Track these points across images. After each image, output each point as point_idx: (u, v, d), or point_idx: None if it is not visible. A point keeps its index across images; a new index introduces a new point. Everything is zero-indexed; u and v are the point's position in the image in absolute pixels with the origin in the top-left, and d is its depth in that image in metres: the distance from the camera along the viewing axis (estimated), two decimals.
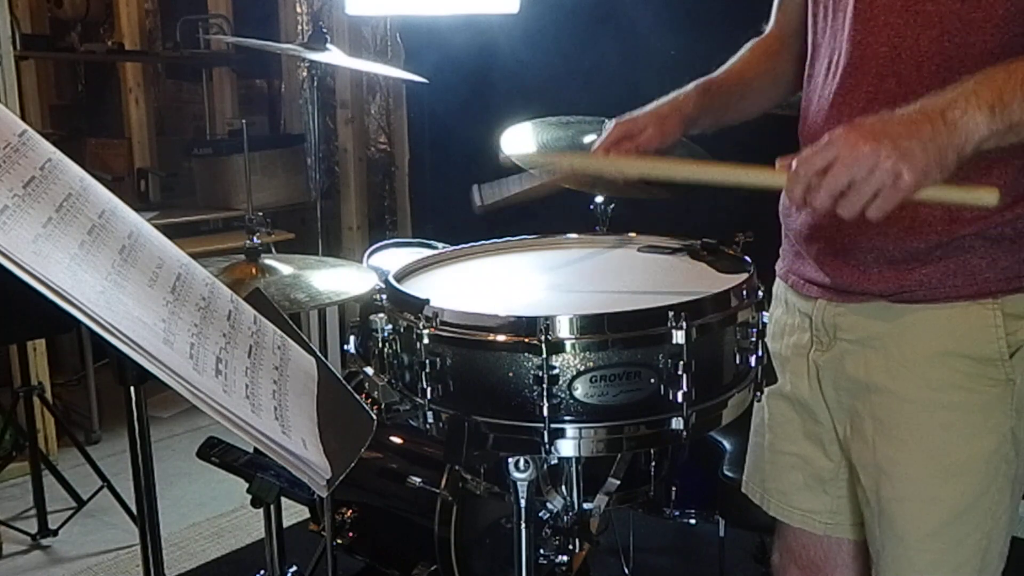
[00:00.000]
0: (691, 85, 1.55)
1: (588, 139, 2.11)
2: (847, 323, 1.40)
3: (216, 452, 1.90)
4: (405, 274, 1.43)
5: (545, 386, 1.15)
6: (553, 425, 1.17)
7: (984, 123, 1.12)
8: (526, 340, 1.16)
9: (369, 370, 1.34)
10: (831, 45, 1.38)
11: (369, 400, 1.31)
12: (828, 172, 1.12)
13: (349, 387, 1.23)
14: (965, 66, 1.24)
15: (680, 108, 1.52)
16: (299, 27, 4.42)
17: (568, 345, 1.15)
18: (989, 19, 1.23)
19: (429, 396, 1.23)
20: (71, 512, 3.09)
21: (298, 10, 4.43)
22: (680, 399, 1.17)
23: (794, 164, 1.15)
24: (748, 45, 1.62)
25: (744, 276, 1.31)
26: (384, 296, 1.33)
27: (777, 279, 1.53)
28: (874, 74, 1.31)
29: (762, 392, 1.32)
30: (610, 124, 1.53)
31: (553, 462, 1.61)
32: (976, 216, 1.27)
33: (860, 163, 1.10)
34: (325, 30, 2.86)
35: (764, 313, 1.31)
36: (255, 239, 2.10)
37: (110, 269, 0.89)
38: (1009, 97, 1.12)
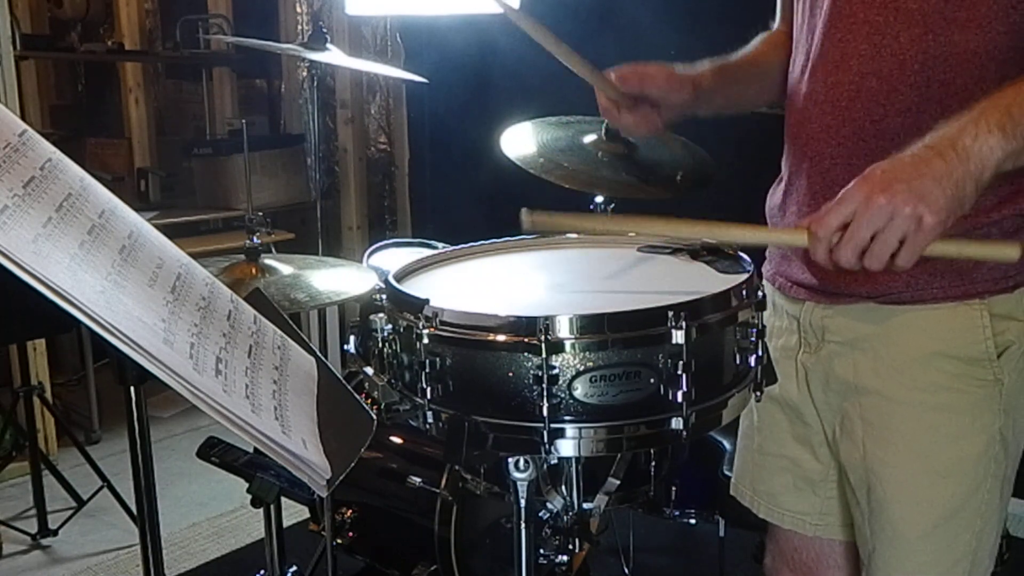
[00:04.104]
0: (706, 62, 1.52)
1: (588, 139, 2.11)
2: (835, 325, 1.40)
3: (216, 452, 1.90)
4: (405, 274, 1.43)
5: (545, 386, 1.15)
6: (553, 425, 1.16)
7: (998, 145, 1.10)
8: (526, 340, 1.15)
9: (369, 370, 1.34)
10: (808, 41, 1.37)
11: (369, 400, 1.31)
12: (848, 229, 1.11)
13: (349, 387, 1.23)
14: (948, 65, 1.24)
15: (694, 76, 1.48)
16: (299, 27, 4.42)
17: (568, 345, 1.15)
18: (972, 18, 1.22)
19: (429, 396, 1.23)
20: (71, 512, 3.09)
21: (298, 10, 4.43)
22: (680, 399, 1.17)
23: (811, 227, 1.15)
24: (759, 37, 1.62)
25: (744, 276, 1.31)
26: (384, 296, 1.33)
27: (764, 281, 1.52)
28: (855, 72, 1.30)
29: (762, 392, 1.32)
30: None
31: (553, 462, 1.61)
32: (964, 217, 1.27)
33: (878, 215, 1.09)
34: (325, 30, 2.86)
35: (764, 313, 1.31)
36: (255, 239, 2.10)
37: (110, 269, 0.89)
38: (1019, 115, 1.11)
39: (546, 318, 1.15)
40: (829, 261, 1.15)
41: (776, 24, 1.62)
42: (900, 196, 1.09)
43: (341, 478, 0.96)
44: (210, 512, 3.23)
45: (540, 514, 1.83)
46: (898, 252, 1.11)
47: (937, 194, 1.09)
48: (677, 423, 1.18)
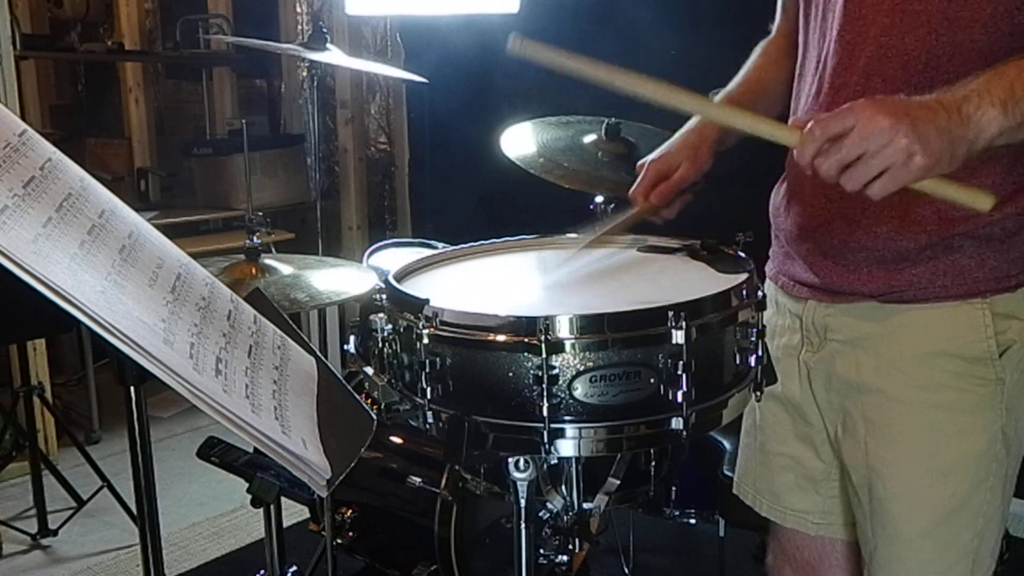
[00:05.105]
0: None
1: (588, 139, 2.11)
2: (837, 324, 1.40)
3: (216, 452, 1.89)
4: (405, 274, 1.43)
5: (545, 386, 1.15)
6: (553, 425, 1.16)
7: (996, 119, 1.11)
8: (526, 340, 1.15)
9: (369, 370, 1.34)
10: (820, 44, 1.38)
11: (369, 400, 1.31)
12: (842, 139, 1.10)
13: (349, 387, 1.23)
14: (951, 65, 1.24)
15: (708, 136, 1.52)
16: (299, 27, 4.42)
17: (568, 345, 1.15)
18: (976, 18, 1.23)
19: (429, 396, 1.23)
20: (71, 512, 3.09)
21: (298, 10, 4.43)
22: (680, 399, 1.17)
23: (810, 124, 1.14)
24: (759, 48, 1.62)
25: (744, 276, 1.31)
26: (384, 296, 1.33)
27: (767, 280, 1.53)
28: (861, 73, 1.31)
29: (762, 392, 1.32)
30: (644, 162, 1.53)
31: (553, 462, 1.61)
32: (965, 216, 1.27)
33: (876, 135, 1.08)
34: (325, 30, 2.86)
35: (765, 313, 1.31)
36: (255, 239, 2.10)
37: (110, 269, 0.89)
38: (1021, 92, 1.12)
39: (546, 318, 1.15)
40: (811, 166, 1.14)
41: (775, 27, 1.62)
42: (903, 127, 1.08)
43: (341, 478, 0.96)
44: (210, 512, 3.23)
45: (540, 514, 1.83)
46: (876, 180, 1.10)
47: (935, 141, 1.09)
48: (677, 423, 1.18)
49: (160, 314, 0.91)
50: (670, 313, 1.16)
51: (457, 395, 1.22)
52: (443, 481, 2.02)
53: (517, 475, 1.35)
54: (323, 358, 1.19)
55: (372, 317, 1.31)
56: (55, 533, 3.05)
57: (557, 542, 1.85)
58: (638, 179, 1.53)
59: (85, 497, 3.12)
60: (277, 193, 4.30)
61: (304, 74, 4.50)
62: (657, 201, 1.51)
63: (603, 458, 1.82)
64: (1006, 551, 1.87)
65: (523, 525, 1.40)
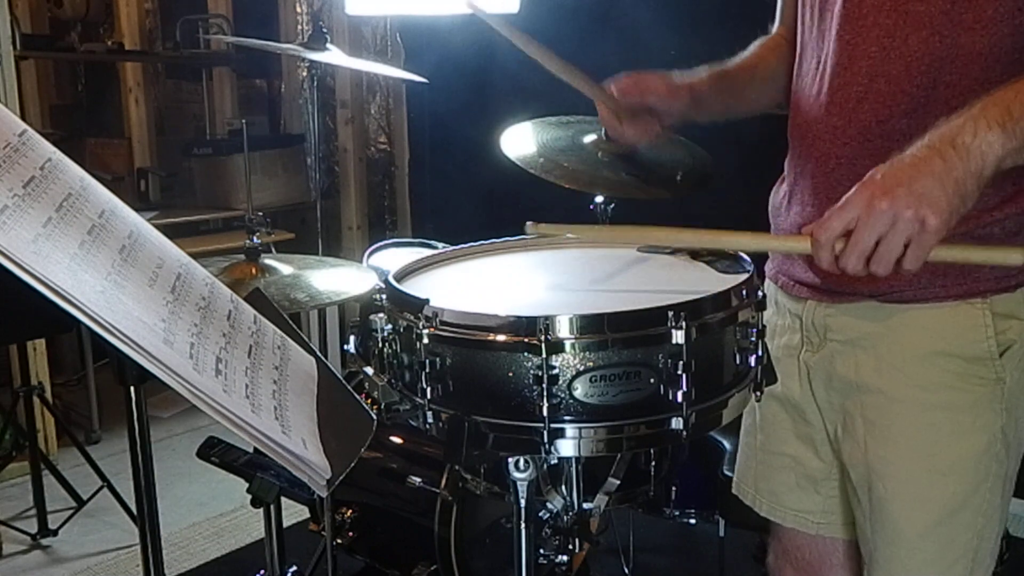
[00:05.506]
0: (703, 68, 1.54)
1: (588, 139, 2.11)
2: (837, 323, 1.40)
3: (216, 452, 1.90)
4: (405, 274, 1.43)
5: (545, 386, 1.15)
6: (553, 425, 1.16)
7: (998, 142, 1.10)
8: (526, 340, 1.15)
9: (369, 370, 1.34)
10: (819, 45, 1.38)
11: (369, 400, 1.31)
12: (852, 235, 1.11)
13: (349, 387, 1.23)
14: (954, 67, 1.25)
15: (691, 82, 1.51)
16: (299, 27, 4.43)
17: (568, 345, 1.15)
18: (978, 20, 1.23)
19: (429, 396, 1.23)
20: (71, 512, 3.09)
21: (298, 10, 4.43)
22: (680, 399, 1.17)
23: (813, 233, 1.15)
24: (756, 42, 1.62)
25: (744, 276, 1.31)
26: (384, 296, 1.33)
27: (767, 280, 1.53)
28: (864, 74, 1.31)
29: (762, 392, 1.32)
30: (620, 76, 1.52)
31: (553, 462, 1.61)
32: (965, 216, 1.27)
33: (881, 220, 1.09)
34: (325, 30, 2.86)
35: (765, 312, 1.31)
36: (255, 239, 2.10)
37: (110, 269, 0.89)
38: (1018, 112, 1.11)
39: (546, 318, 1.15)
40: (835, 267, 1.15)
41: (775, 27, 1.62)
42: (902, 199, 1.09)
43: (341, 478, 0.96)
44: (210, 512, 3.23)
45: (540, 514, 1.83)
46: (904, 256, 1.11)
47: (938, 194, 1.09)
48: (677, 423, 1.18)
49: (160, 314, 0.91)
50: (670, 313, 1.16)
51: (457, 395, 1.22)
52: (443, 481, 2.02)
53: (517, 475, 1.35)
54: (323, 358, 1.19)
55: (372, 317, 1.31)
56: (55, 533, 3.05)
57: (557, 542, 1.85)
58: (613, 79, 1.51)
59: (85, 497, 3.12)
60: (277, 193, 4.30)
61: (304, 74, 4.50)
62: (620, 92, 1.49)
63: (603, 458, 1.82)
64: (1006, 551, 1.87)
65: (523, 525, 1.40)
